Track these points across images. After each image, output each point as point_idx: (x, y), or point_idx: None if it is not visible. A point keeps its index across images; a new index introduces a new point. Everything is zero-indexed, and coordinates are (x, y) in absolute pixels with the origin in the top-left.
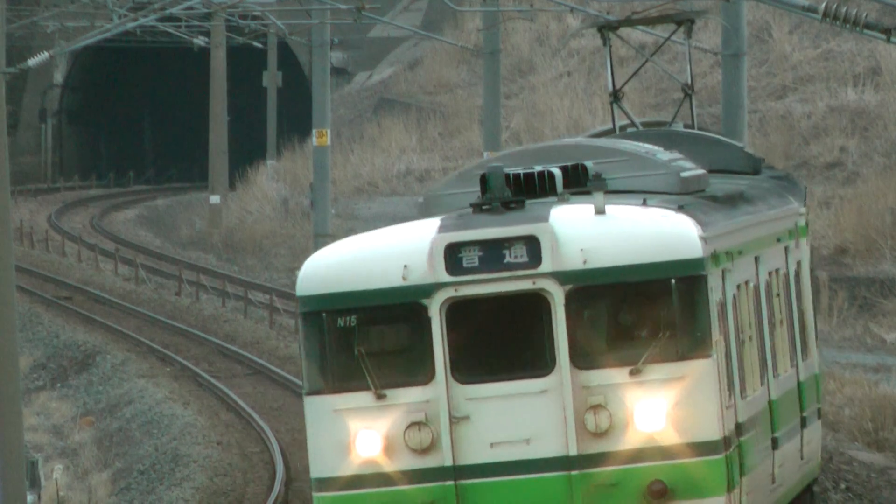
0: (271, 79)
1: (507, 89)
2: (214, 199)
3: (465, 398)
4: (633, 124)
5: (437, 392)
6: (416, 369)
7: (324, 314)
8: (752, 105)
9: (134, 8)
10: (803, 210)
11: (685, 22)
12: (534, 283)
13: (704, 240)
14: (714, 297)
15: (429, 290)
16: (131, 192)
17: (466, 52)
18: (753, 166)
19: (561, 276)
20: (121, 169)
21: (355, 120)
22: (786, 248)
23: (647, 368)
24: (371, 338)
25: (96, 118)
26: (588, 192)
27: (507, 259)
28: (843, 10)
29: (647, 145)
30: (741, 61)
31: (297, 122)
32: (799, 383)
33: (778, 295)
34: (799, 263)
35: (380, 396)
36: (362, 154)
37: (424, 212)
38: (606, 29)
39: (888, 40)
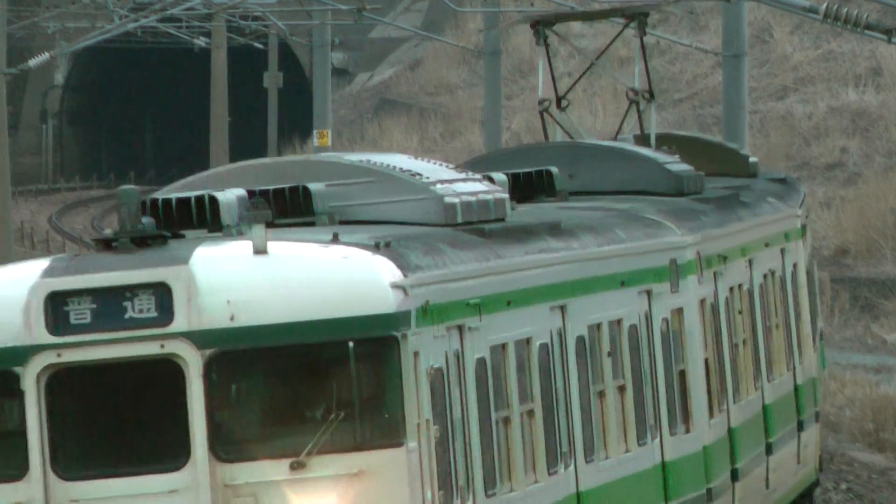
0: (272, 79)
1: (507, 90)
2: None
3: (69, 500)
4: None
5: (31, 491)
6: (5, 460)
7: None
8: (753, 106)
9: (134, 9)
10: (691, 240)
11: (637, 16)
12: (163, 346)
13: (405, 289)
14: (421, 364)
15: (22, 354)
16: None
17: (467, 53)
18: (677, 186)
19: (199, 338)
20: (122, 170)
21: (356, 121)
22: (648, 293)
23: (315, 461)
24: None
25: (97, 119)
26: (306, 224)
27: (130, 314)
28: (844, 10)
29: (418, 163)
30: (742, 62)
31: (298, 122)
32: (663, 465)
33: (611, 354)
34: (681, 311)
35: None
36: (364, 149)
37: None
38: (542, 25)
39: (889, 41)
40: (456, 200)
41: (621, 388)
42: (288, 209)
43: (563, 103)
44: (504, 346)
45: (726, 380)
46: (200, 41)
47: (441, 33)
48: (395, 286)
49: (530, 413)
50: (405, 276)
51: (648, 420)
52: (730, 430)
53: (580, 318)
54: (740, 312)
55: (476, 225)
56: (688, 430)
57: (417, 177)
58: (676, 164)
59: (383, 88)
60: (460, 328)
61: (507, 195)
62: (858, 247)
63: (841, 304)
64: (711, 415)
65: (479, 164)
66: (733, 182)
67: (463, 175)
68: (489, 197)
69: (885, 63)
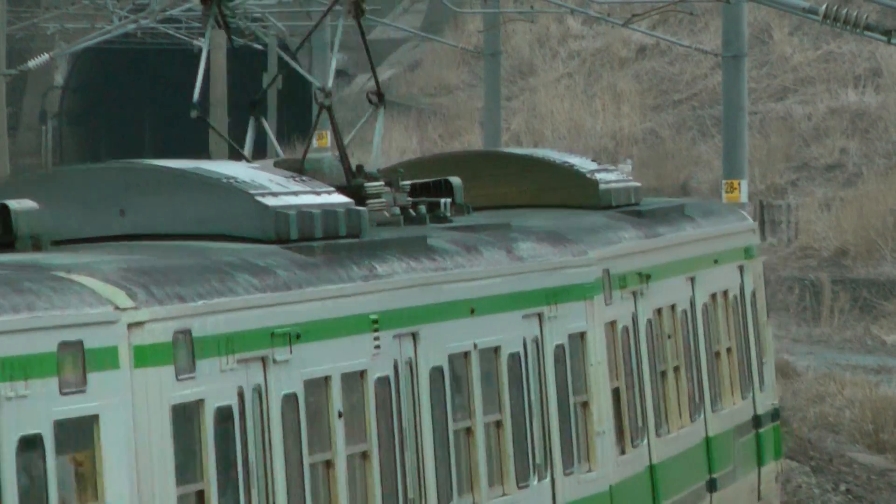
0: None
1: (507, 91)
2: None
3: None
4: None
5: None
6: None
7: None
8: (753, 106)
9: (134, 10)
10: (148, 315)
11: None
12: None
13: None
14: None
15: None
16: None
17: (467, 54)
18: (276, 229)
19: None
20: None
21: (356, 122)
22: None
23: None
24: None
25: (97, 120)
26: None
27: None
28: (844, 11)
29: None
30: (741, 63)
31: (298, 123)
32: None
33: None
34: (95, 418)
35: None
36: (363, 156)
37: None
38: (215, 1)
39: (889, 42)
40: None
41: None
42: None
43: (257, 107)
44: None
45: None
46: (200, 42)
47: (440, 34)
48: None
49: None
50: None
51: None
52: None
53: None
54: (345, 416)
55: None
56: None
57: None
58: (291, 197)
59: (383, 89)
60: None
61: None
62: (858, 248)
63: (840, 306)
64: None
65: None
66: (508, 217)
67: None
68: None
69: (885, 64)
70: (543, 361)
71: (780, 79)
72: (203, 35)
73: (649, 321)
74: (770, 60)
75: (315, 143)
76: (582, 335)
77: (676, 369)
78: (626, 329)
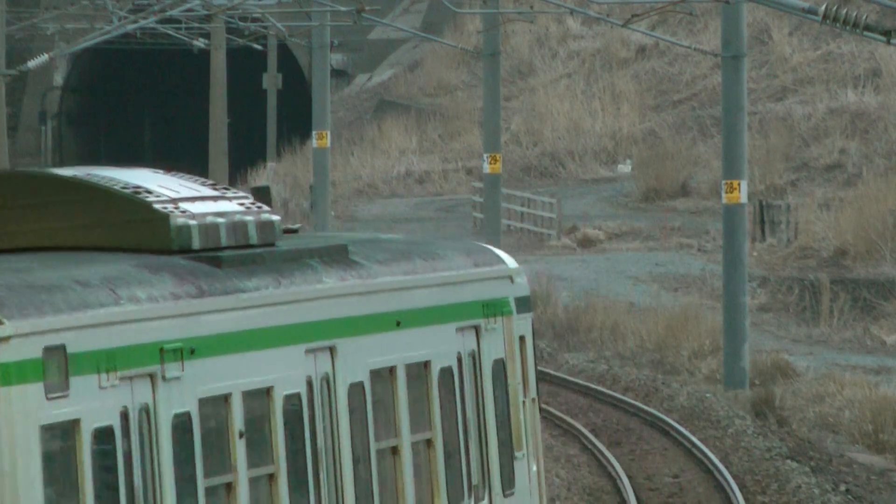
0: (271, 81)
1: (506, 91)
2: None
3: None
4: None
5: None
6: None
7: None
8: (752, 107)
9: (134, 10)
10: None
11: None
12: None
13: None
14: None
15: None
16: None
17: (466, 54)
18: None
19: None
20: None
21: (355, 122)
22: None
23: None
24: None
25: (96, 120)
26: None
27: None
28: (844, 11)
29: None
30: (741, 63)
31: (298, 123)
32: None
33: None
34: None
35: None
36: (362, 156)
37: None
38: None
39: (888, 42)
40: None
41: None
42: None
43: None
44: None
45: None
46: (199, 42)
47: (440, 34)
48: None
49: None
50: None
51: None
52: None
53: None
54: None
55: None
56: None
57: None
58: None
59: (382, 90)
60: None
61: None
62: (858, 248)
63: (840, 306)
64: None
65: None
66: None
67: None
68: None
69: (885, 64)
70: None
71: (779, 79)
72: (203, 36)
73: (183, 417)
74: (769, 61)
75: (315, 142)
76: None
77: (271, 477)
78: (105, 432)
